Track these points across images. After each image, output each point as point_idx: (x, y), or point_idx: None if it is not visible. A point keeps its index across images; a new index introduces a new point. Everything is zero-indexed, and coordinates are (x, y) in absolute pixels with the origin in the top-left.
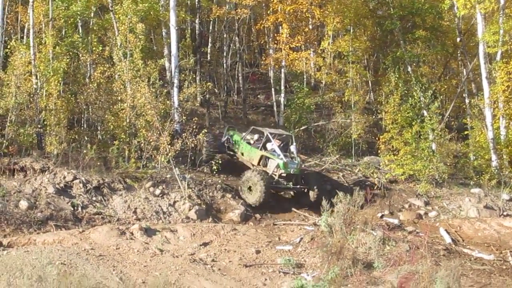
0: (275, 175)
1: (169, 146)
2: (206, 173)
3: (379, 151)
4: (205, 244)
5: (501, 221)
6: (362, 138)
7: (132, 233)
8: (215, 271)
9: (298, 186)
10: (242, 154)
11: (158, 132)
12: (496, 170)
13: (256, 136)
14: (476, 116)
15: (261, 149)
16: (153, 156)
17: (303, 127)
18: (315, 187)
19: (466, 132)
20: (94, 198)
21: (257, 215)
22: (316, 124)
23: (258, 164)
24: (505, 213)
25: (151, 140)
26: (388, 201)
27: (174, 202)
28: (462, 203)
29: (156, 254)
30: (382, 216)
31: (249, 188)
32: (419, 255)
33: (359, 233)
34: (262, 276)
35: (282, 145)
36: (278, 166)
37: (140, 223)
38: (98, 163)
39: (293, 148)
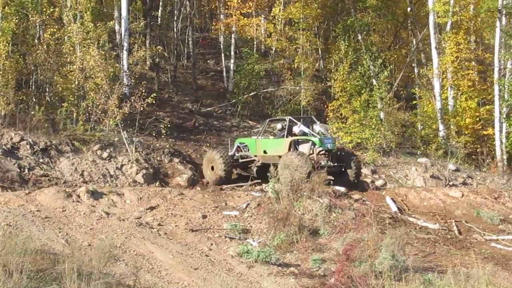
0: (312, 155)
1: (118, 109)
2: (154, 136)
3: (327, 118)
4: (151, 208)
5: (447, 191)
6: (311, 106)
7: (78, 196)
8: (161, 235)
9: (336, 165)
10: (265, 152)
11: (107, 95)
12: (443, 140)
13: (279, 126)
14: (425, 86)
15: (287, 136)
16: (101, 119)
17: (252, 93)
18: (352, 165)
19: (414, 102)
20: (41, 160)
21: (204, 180)
22: (265, 90)
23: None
24: (451, 183)
25: (99, 103)
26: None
27: (122, 165)
28: (409, 172)
29: (102, 217)
30: (329, 184)
31: None
32: (365, 223)
33: (306, 200)
34: (208, 241)
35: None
36: (313, 145)
37: (87, 186)
38: (46, 125)
39: (318, 127)
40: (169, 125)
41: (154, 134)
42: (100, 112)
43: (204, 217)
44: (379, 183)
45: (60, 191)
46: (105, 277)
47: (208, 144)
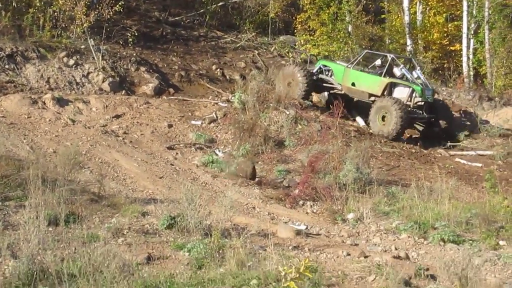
0: (409, 104)
1: (85, 17)
2: (121, 45)
3: (295, 30)
4: (117, 116)
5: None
6: (279, 17)
7: (44, 103)
8: (127, 143)
9: (428, 116)
10: (353, 84)
11: (74, 2)
12: (410, 55)
13: (378, 61)
14: (394, 0)
15: (385, 76)
16: (68, 26)
17: (220, 3)
18: (446, 117)
19: (383, 16)
20: (6, 66)
21: (171, 90)
22: (233, 1)
23: (382, 94)
24: None
25: (66, 9)
26: None
27: (88, 73)
28: None
29: (67, 124)
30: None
31: (383, 118)
32: (330, 135)
33: (272, 111)
34: (173, 150)
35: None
36: (412, 94)
37: (53, 93)
38: (12, 31)
39: (418, 72)
40: (136, 34)
41: (121, 43)
42: (67, 19)
43: (170, 126)
44: None
45: (26, 98)
46: (70, 183)
47: (175, 54)
